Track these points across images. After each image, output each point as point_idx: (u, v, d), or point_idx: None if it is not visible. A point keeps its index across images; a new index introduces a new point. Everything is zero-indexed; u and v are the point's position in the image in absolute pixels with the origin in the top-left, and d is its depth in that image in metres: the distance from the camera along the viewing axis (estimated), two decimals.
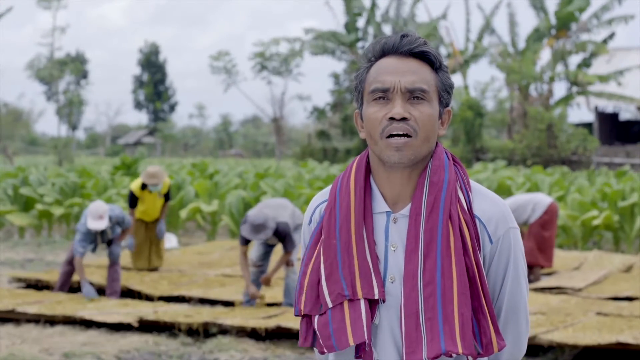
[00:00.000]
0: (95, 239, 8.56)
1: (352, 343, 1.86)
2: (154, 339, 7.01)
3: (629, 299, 8.38)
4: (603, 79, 34.37)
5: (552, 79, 36.12)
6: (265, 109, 74.46)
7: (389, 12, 40.62)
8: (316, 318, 1.92)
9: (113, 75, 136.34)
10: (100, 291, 8.95)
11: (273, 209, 7.81)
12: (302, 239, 2.08)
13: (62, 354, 6.52)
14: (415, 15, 40.11)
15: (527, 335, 1.99)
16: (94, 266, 10.10)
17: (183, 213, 14.47)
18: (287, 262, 7.95)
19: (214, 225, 14.88)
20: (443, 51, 38.26)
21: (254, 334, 7.01)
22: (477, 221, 1.91)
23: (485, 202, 1.93)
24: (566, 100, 36.13)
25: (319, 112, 43.22)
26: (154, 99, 75.56)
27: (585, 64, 36.22)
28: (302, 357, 6.56)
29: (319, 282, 1.92)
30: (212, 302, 8.43)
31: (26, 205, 15.16)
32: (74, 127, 62.00)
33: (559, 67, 36.59)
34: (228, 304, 8.32)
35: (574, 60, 37.30)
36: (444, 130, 1.95)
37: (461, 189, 1.92)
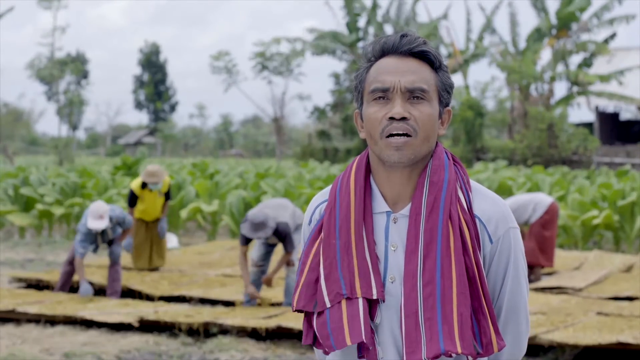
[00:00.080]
0: (95, 239, 8.56)
1: (349, 343, 1.85)
2: (155, 339, 7.01)
3: (630, 298, 8.38)
4: (604, 78, 34.34)
5: (552, 79, 36.08)
6: (266, 108, 74.60)
7: (389, 12, 40.61)
8: (315, 318, 1.92)
9: (113, 75, 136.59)
10: (101, 291, 8.95)
11: (273, 209, 7.82)
12: (302, 239, 2.08)
13: (62, 354, 6.52)
14: (417, 15, 40.11)
15: (527, 335, 1.99)
16: (94, 266, 10.11)
17: (183, 213, 14.48)
18: (288, 262, 7.96)
19: (215, 225, 14.89)
20: (443, 51, 38.23)
21: (255, 334, 7.01)
22: (477, 221, 1.91)
23: (485, 202, 1.93)
24: (567, 100, 36.10)
25: (319, 112, 43.21)
26: (154, 99, 75.60)
27: (586, 63, 36.19)
28: (303, 357, 6.56)
29: (316, 280, 1.92)
30: (213, 302, 8.43)
31: (26, 205, 15.16)
32: (74, 127, 61.98)
33: (560, 67, 36.56)
34: (228, 304, 8.32)
35: (575, 60, 37.29)
36: (444, 130, 1.95)
37: (461, 188, 1.92)
